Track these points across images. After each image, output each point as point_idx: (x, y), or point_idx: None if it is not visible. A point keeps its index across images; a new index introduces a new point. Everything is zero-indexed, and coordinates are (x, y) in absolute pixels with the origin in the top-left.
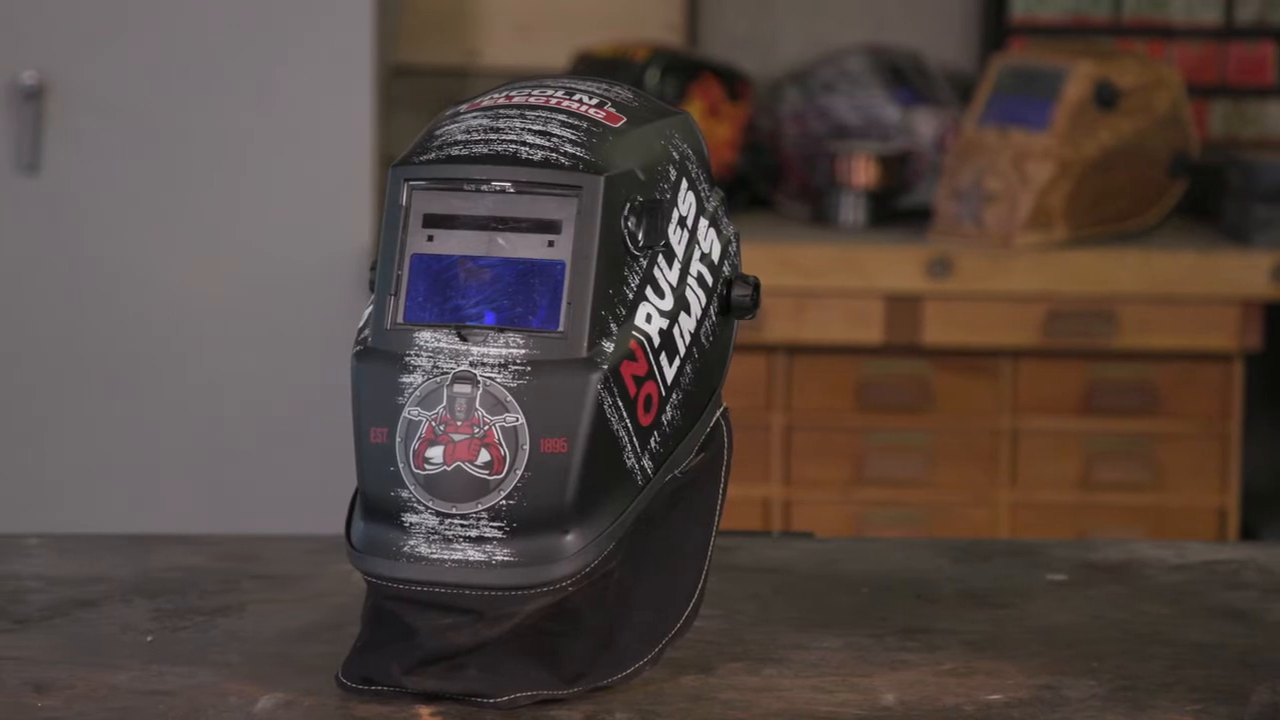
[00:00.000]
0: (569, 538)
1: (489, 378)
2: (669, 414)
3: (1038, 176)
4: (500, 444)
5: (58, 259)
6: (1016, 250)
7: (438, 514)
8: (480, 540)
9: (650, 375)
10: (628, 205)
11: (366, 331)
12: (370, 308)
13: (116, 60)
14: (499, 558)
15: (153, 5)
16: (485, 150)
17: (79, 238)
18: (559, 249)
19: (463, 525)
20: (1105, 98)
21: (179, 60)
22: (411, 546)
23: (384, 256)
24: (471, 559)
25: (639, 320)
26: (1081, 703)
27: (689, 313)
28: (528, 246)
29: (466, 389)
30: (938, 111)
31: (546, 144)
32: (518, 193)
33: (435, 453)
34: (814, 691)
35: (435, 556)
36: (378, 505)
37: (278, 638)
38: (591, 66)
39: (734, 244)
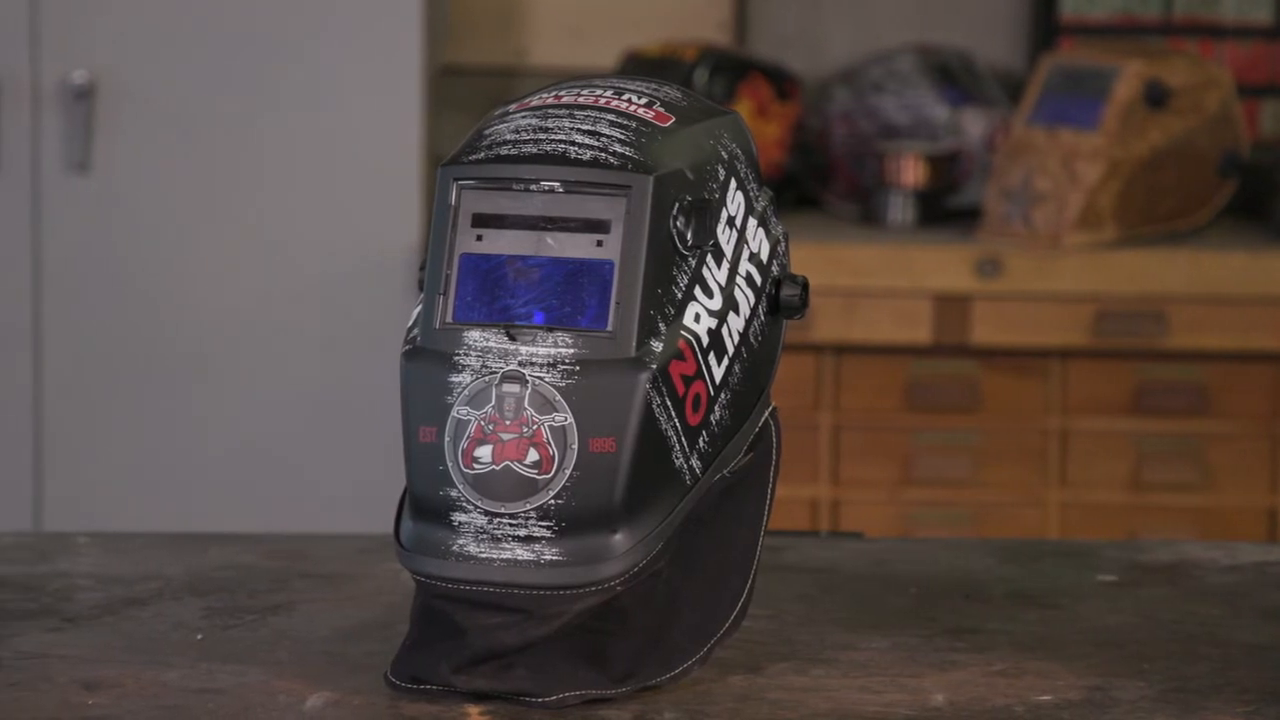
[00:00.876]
0: (617, 537)
1: (538, 377)
2: (717, 413)
3: (1087, 176)
4: (549, 443)
5: (108, 257)
6: (1066, 250)
7: (486, 513)
8: (529, 540)
9: (699, 375)
10: (676, 205)
11: (415, 331)
12: (419, 307)
13: (166, 60)
14: (547, 557)
15: (203, 5)
16: (534, 150)
17: (129, 237)
18: (608, 249)
19: (511, 524)
20: (1155, 97)
21: (229, 59)
22: (460, 546)
23: (433, 256)
24: (520, 558)
25: (687, 320)
26: (1132, 704)
27: (737, 312)
28: (576, 246)
29: (515, 388)
30: (987, 111)
31: (595, 144)
32: (567, 192)
33: (484, 452)
34: (862, 692)
35: (484, 556)
36: (426, 504)
37: (327, 636)
38: (640, 66)
39: (783, 244)
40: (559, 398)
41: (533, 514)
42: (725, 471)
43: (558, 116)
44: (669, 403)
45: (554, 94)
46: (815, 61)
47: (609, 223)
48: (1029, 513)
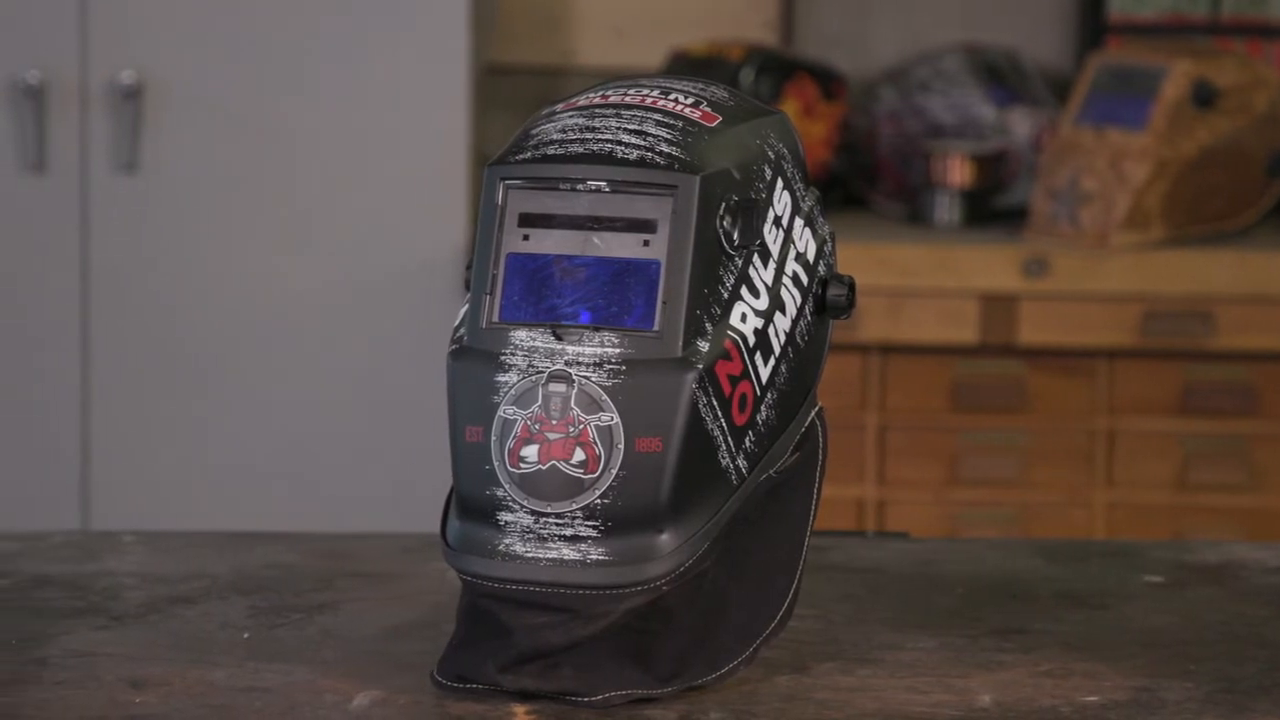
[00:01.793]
0: (663, 537)
1: (584, 377)
2: (764, 413)
3: (1135, 176)
4: (595, 443)
5: (155, 257)
6: (1113, 250)
7: (533, 513)
8: (575, 539)
9: (745, 375)
10: (723, 205)
11: (462, 330)
12: (466, 307)
13: (214, 60)
14: (594, 557)
15: (250, 5)
16: (581, 149)
17: (176, 236)
18: (654, 248)
19: (558, 524)
20: (1203, 97)
21: (276, 59)
22: (507, 545)
23: (479, 256)
24: (566, 558)
25: (734, 320)
26: (1179, 705)
27: (784, 312)
28: (623, 246)
29: (562, 388)
30: (1034, 111)
31: (642, 143)
32: (613, 192)
33: (530, 451)
34: (909, 692)
35: (530, 555)
36: (473, 504)
37: (374, 635)
38: (686, 66)
39: (829, 243)
40: (605, 397)
41: (579, 513)
42: (771, 471)
43: (604, 116)
44: (715, 402)
45: (601, 94)
46: (862, 61)
47: (655, 222)
48: (1075, 513)
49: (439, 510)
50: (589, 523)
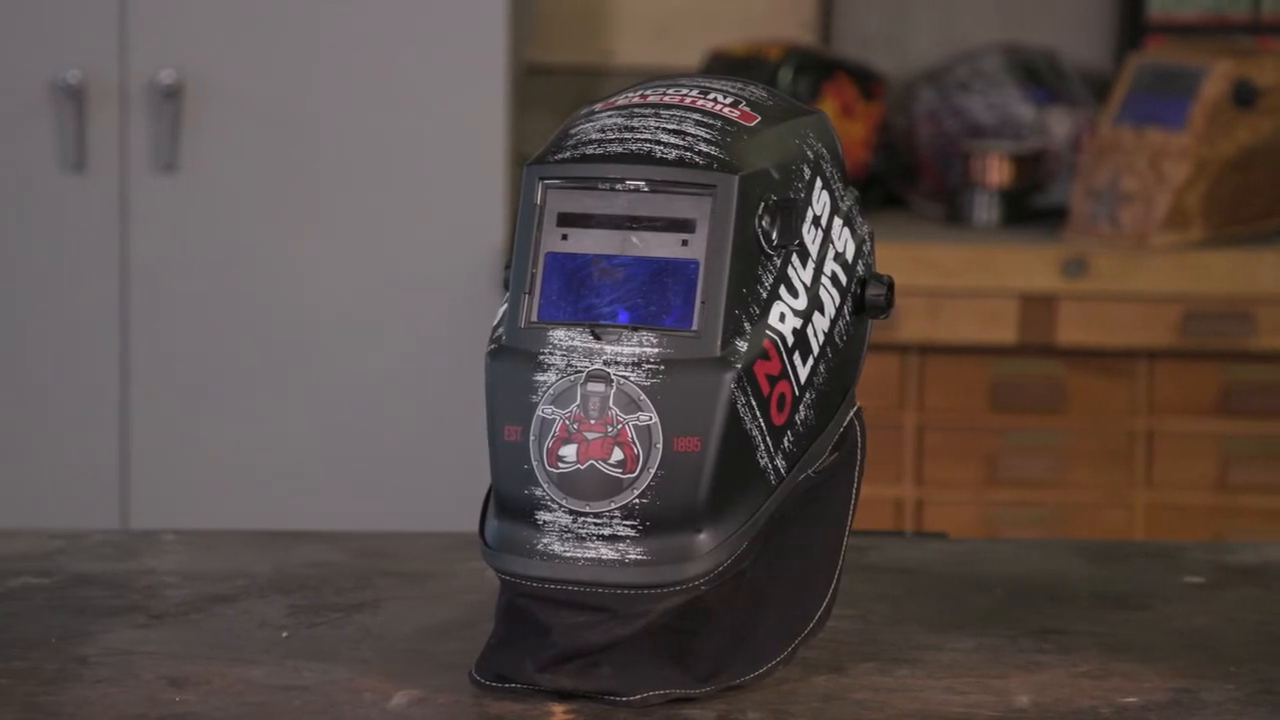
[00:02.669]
0: (702, 537)
1: (623, 376)
2: (802, 413)
3: (1174, 176)
4: (634, 442)
5: (194, 257)
6: (1153, 250)
7: (571, 512)
8: (613, 539)
9: (784, 374)
10: (762, 204)
11: (501, 330)
12: (504, 306)
13: (253, 59)
14: (632, 556)
15: (289, 4)
16: (620, 149)
17: (215, 236)
18: (693, 248)
19: (596, 523)
20: (1244, 97)
21: (315, 59)
22: (545, 544)
23: (518, 255)
24: (604, 557)
25: (773, 319)
26: (1219, 706)
27: (823, 312)
28: (662, 245)
29: (600, 387)
30: (1073, 111)
31: (681, 143)
32: (652, 192)
33: (569, 451)
34: (947, 693)
35: (568, 555)
36: (511, 503)
37: (412, 634)
38: (725, 65)
39: (868, 243)
40: (644, 397)
41: (617, 513)
42: (810, 471)
43: (643, 116)
44: (754, 402)
45: (640, 93)
46: (900, 61)
47: (694, 222)
48: (1114, 514)
49: (477, 509)
50: (627, 522)
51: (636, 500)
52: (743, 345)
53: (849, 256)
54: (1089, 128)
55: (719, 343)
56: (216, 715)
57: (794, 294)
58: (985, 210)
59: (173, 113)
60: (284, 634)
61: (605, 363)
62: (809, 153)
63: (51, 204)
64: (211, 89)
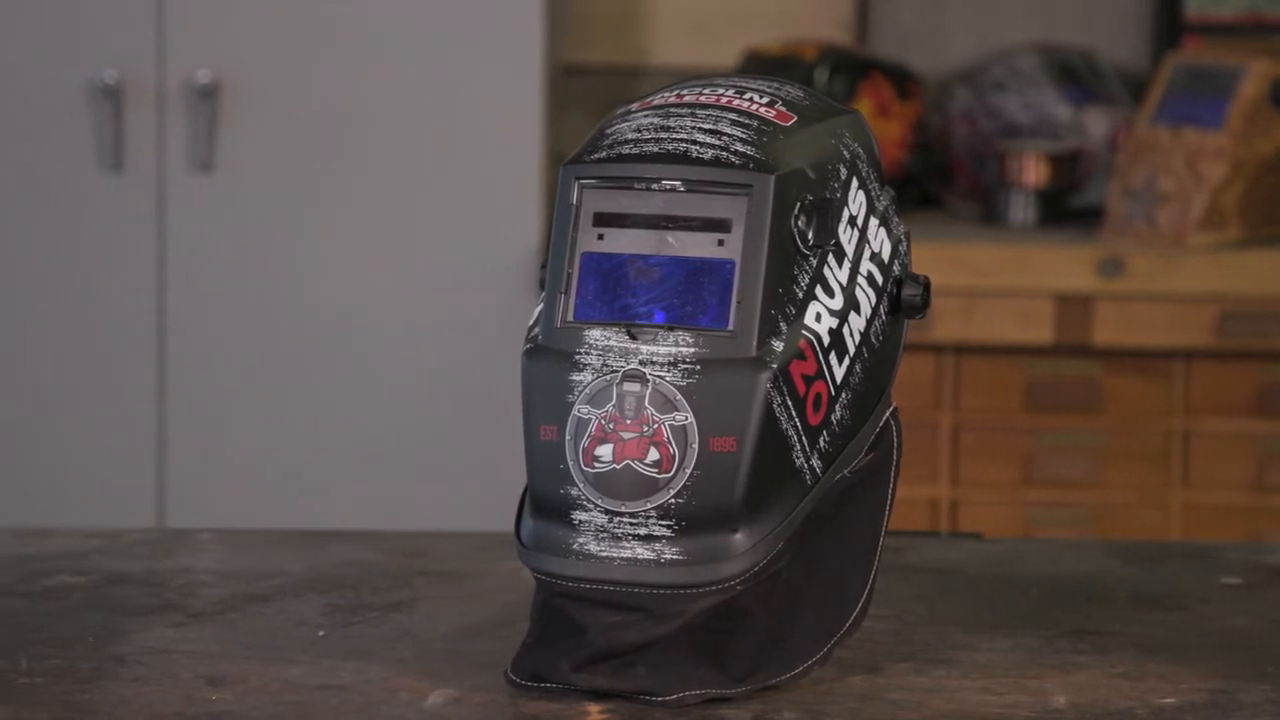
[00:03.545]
0: (737, 537)
1: (658, 376)
2: (838, 413)
3: (1211, 176)
4: (669, 442)
5: (231, 256)
6: (1189, 250)
7: (607, 512)
8: (649, 539)
9: (819, 374)
10: (798, 204)
11: (536, 330)
12: (540, 306)
13: (290, 59)
14: (668, 556)
15: (325, 4)
16: (656, 149)
17: (252, 235)
18: (729, 248)
19: (631, 523)
20: None
21: (351, 59)
22: (581, 544)
23: (554, 255)
24: (640, 557)
25: (808, 319)
26: (1256, 707)
27: (859, 312)
28: (698, 245)
29: (636, 387)
30: (1109, 110)
31: (717, 143)
32: (688, 191)
33: (604, 451)
34: (983, 693)
35: (604, 554)
36: (547, 503)
37: (448, 634)
38: (761, 65)
39: (904, 243)
40: (679, 397)
41: (653, 513)
42: (846, 471)
43: (679, 115)
44: (790, 402)
45: (676, 93)
46: (936, 60)
47: (730, 222)
48: (1150, 514)
49: (513, 509)
50: (663, 522)
51: (672, 500)
52: (779, 345)
53: (885, 256)
54: (1126, 127)
55: (755, 343)
56: (253, 714)
57: (830, 294)
58: (1021, 210)
59: (209, 112)
60: (320, 633)
61: (641, 362)
62: (845, 152)
63: (89, 203)
64: (248, 89)
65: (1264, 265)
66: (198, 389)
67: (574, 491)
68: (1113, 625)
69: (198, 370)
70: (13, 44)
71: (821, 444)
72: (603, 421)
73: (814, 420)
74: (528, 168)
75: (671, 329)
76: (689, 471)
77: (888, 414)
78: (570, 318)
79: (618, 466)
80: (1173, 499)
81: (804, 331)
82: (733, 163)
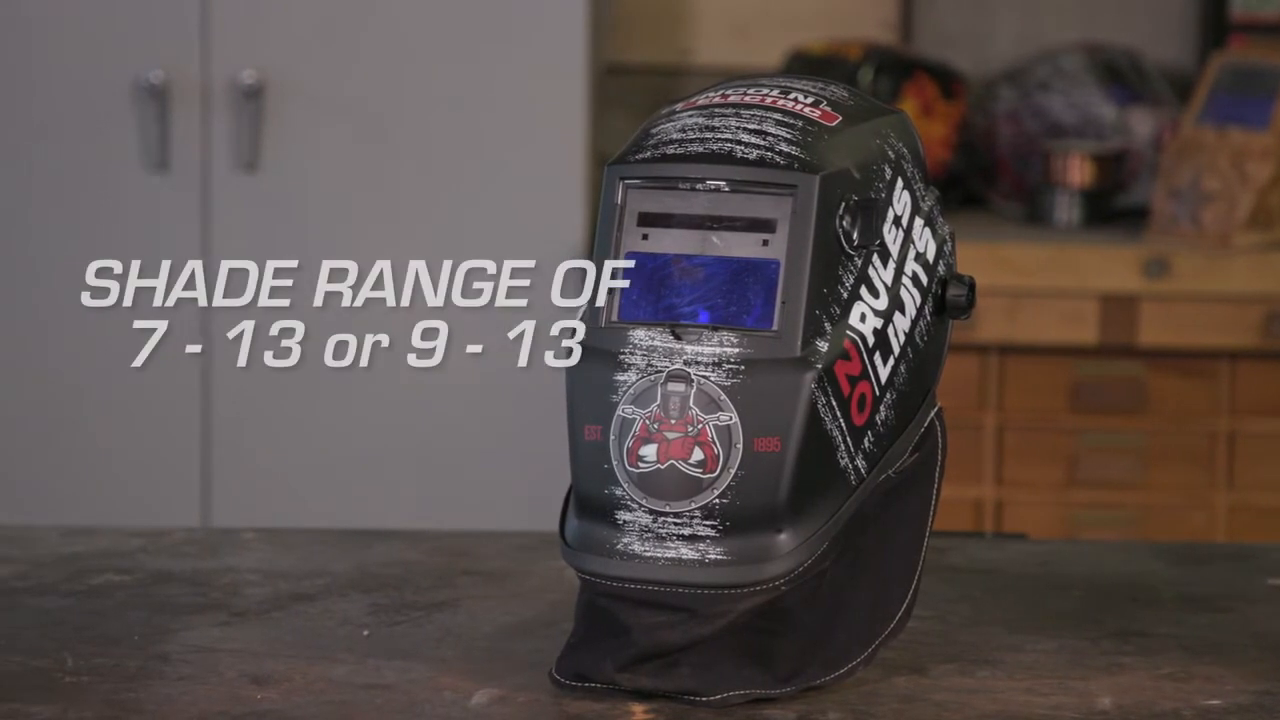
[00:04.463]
0: (782, 537)
1: (703, 376)
2: (883, 414)
3: (1257, 176)
4: (714, 442)
5: (276, 255)
6: (1235, 250)
7: (651, 512)
8: (693, 539)
9: (864, 375)
10: (843, 204)
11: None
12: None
13: (334, 59)
14: (712, 556)
15: (370, 4)
16: (700, 149)
17: (297, 235)
18: (773, 248)
19: (676, 523)
20: None
21: (395, 59)
22: (625, 544)
23: (599, 254)
24: (685, 557)
25: (853, 320)
26: None
27: (903, 312)
28: (742, 245)
29: (680, 387)
30: (1155, 110)
31: (762, 143)
32: (733, 191)
33: (649, 451)
34: (1028, 694)
35: (649, 554)
36: (591, 503)
37: (492, 633)
38: (805, 65)
39: (949, 243)
40: (724, 397)
41: (697, 513)
42: (890, 472)
43: (724, 115)
44: (834, 402)
45: (720, 93)
46: (981, 60)
47: (775, 222)
48: (1196, 515)
49: (558, 509)
50: (707, 522)
51: (717, 500)
52: (823, 345)
53: (930, 256)
54: (1171, 127)
55: (799, 343)
56: (298, 713)
57: (875, 294)
58: (1066, 210)
59: (254, 112)
60: (365, 632)
61: (685, 362)
62: (890, 152)
63: (135, 203)
64: (292, 89)
65: None
66: (243, 388)
67: (618, 491)
68: (1158, 627)
69: (243, 370)
70: (59, 44)
71: (866, 444)
72: (647, 421)
73: (858, 420)
74: (572, 167)
75: (716, 329)
76: (733, 472)
77: (932, 414)
78: (614, 318)
79: (662, 466)
80: (1218, 500)
81: (849, 332)
82: (777, 163)
